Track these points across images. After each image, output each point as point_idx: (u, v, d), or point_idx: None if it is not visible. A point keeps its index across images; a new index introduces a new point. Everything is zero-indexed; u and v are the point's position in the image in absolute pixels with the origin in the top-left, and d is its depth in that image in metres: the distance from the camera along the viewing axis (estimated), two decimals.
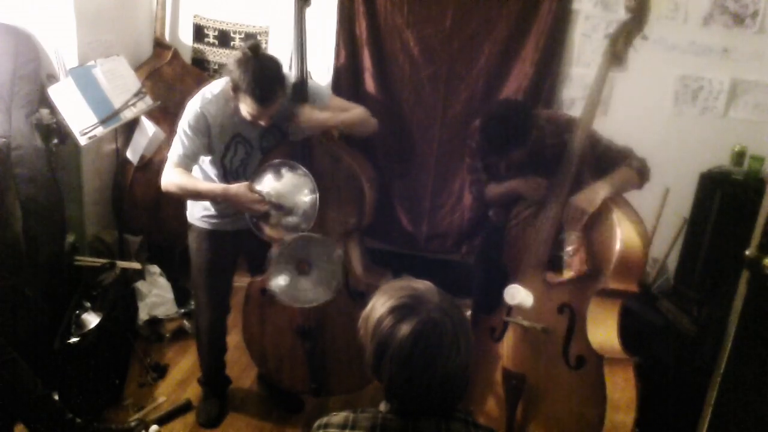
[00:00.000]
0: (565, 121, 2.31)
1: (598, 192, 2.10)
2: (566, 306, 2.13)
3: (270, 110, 2.13)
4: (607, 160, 2.22)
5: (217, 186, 2.27)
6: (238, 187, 2.21)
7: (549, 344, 2.15)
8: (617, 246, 2.04)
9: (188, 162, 2.25)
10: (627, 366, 2.07)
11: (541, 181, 2.24)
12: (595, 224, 2.10)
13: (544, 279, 2.17)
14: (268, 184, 2.29)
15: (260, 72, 2.05)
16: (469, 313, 3.28)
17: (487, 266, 2.57)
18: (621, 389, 2.05)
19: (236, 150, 2.30)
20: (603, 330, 2.13)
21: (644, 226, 2.17)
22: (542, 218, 2.19)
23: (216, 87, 2.24)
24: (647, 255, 2.17)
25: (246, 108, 2.13)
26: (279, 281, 2.31)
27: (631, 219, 2.12)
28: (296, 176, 2.27)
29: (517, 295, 2.15)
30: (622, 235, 2.05)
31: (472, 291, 2.77)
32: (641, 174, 2.20)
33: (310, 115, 2.23)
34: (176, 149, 2.24)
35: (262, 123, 2.18)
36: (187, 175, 2.25)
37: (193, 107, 2.21)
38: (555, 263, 2.16)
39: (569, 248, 2.12)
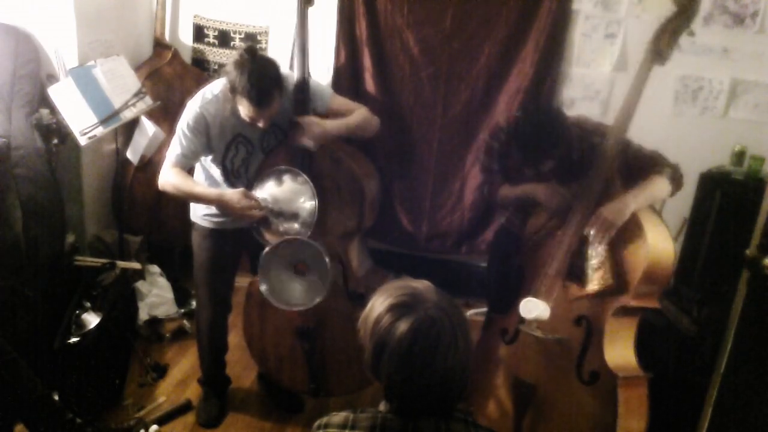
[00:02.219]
0: (592, 126, 2.22)
1: (628, 204, 1.99)
2: (584, 318, 2.06)
3: (267, 112, 2.13)
4: (636, 166, 2.12)
5: (213, 191, 2.28)
6: (232, 194, 2.22)
7: (563, 356, 2.09)
8: (644, 263, 1.95)
9: (186, 162, 2.25)
10: (641, 384, 2.02)
11: (560, 189, 2.16)
12: (622, 237, 2.00)
13: (564, 289, 2.10)
14: (268, 189, 2.29)
15: (256, 74, 2.05)
16: (471, 312, 3.31)
17: (503, 267, 2.53)
18: (634, 409, 2.00)
19: (237, 150, 2.30)
20: (620, 347, 2.05)
21: (671, 240, 2.05)
22: (566, 227, 2.10)
23: (216, 87, 2.24)
24: (673, 271, 2.06)
25: (243, 110, 2.13)
26: (266, 283, 2.32)
27: (659, 233, 2.02)
28: (296, 183, 2.28)
29: (535, 309, 2.08)
30: (650, 251, 1.95)
31: (486, 290, 2.74)
32: (674, 182, 2.09)
33: (315, 130, 2.23)
34: (174, 149, 2.24)
35: (260, 125, 2.18)
36: (184, 176, 2.25)
37: (192, 107, 2.22)
38: (576, 274, 2.08)
39: (594, 261, 2.04)
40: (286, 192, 2.29)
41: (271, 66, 2.13)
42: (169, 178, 2.24)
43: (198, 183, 2.32)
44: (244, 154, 2.32)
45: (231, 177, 2.33)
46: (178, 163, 2.24)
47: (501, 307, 2.37)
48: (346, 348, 2.41)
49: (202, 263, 2.46)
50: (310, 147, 2.25)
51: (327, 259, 2.24)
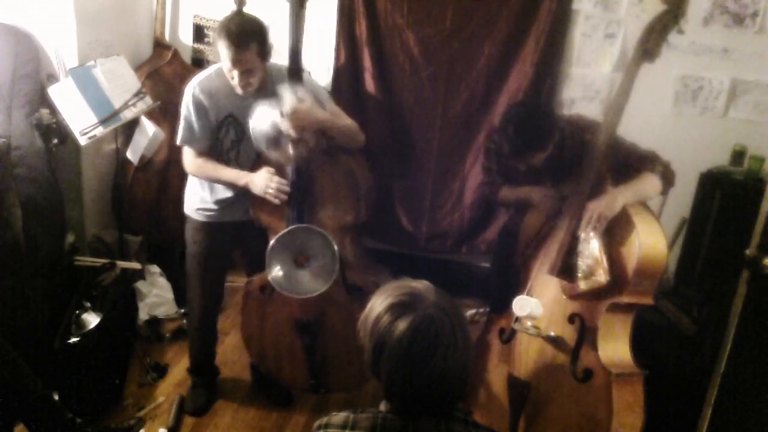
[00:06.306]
0: (585, 124, 2.23)
1: (616, 198, 2.00)
2: (577, 316, 2.05)
3: (243, 60, 2.12)
4: (629, 164, 2.12)
5: (240, 174, 2.29)
6: (258, 176, 2.24)
7: (556, 354, 2.09)
8: (636, 259, 1.93)
9: (202, 144, 2.30)
10: (636, 380, 2.00)
11: (552, 191, 2.18)
12: (614, 233, 2.00)
13: (558, 286, 2.10)
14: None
15: (237, 20, 2.11)
16: (471, 312, 3.31)
17: (503, 267, 2.53)
18: (628, 405, 1.99)
19: (227, 131, 2.32)
20: (614, 343, 2.04)
21: (664, 235, 2.03)
22: (559, 223, 2.12)
23: (213, 67, 2.29)
24: (666, 267, 2.05)
25: (223, 57, 2.14)
26: (276, 271, 2.32)
27: (650, 229, 2.00)
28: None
29: (527, 306, 2.08)
30: (641, 247, 1.93)
31: (488, 290, 2.75)
32: (665, 179, 2.09)
33: (308, 109, 2.16)
34: (184, 133, 2.29)
35: (235, 79, 2.16)
36: (208, 161, 2.32)
37: (189, 90, 2.26)
38: (569, 271, 2.08)
39: (586, 258, 2.04)
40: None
41: (253, 19, 2.17)
42: (191, 163, 2.33)
43: (225, 168, 2.33)
44: (233, 136, 2.33)
45: (222, 157, 2.35)
46: (194, 147, 2.30)
47: (502, 307, 2.38)
48: (346, 342, 2.41)
49: (194, 255, 2.48)
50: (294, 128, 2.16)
51: (335, 245, 2.24)
